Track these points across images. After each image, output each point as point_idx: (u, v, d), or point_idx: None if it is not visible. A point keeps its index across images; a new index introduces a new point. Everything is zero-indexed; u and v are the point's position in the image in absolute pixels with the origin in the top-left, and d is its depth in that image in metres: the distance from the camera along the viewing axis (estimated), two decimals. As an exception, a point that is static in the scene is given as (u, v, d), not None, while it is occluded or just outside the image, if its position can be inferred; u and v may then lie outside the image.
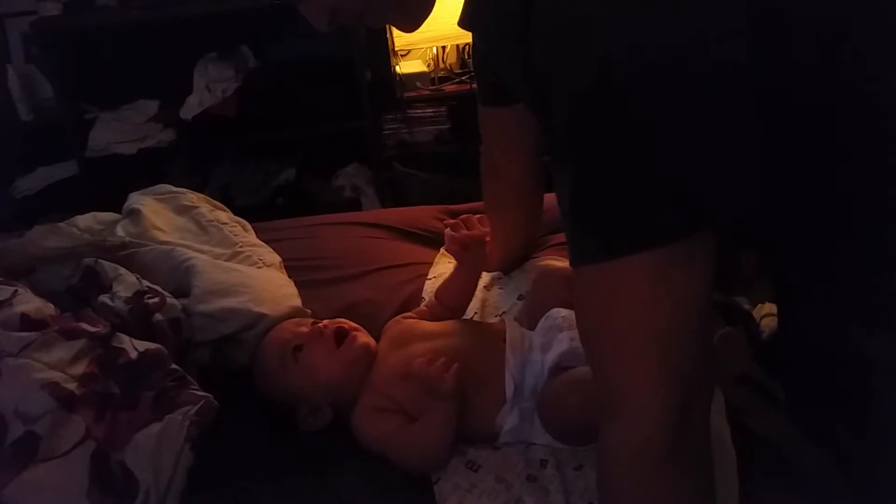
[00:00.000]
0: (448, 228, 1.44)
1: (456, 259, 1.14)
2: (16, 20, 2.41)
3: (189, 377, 0.85)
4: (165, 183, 2.32)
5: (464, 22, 0.82)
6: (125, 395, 0.78)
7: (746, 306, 2.05)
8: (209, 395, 0.84)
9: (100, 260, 1.12)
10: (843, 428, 0.83)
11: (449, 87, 2.36)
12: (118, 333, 0.83)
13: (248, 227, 1.42)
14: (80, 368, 0.78)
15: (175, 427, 0.78)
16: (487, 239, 1.38)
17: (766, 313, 2.02)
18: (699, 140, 0.57)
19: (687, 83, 0.56)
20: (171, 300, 1.03)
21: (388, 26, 2.05)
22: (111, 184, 2.28)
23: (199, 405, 0.81)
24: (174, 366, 0.84)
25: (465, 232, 1.13)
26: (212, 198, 2.39)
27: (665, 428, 0.62)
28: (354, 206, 2.38)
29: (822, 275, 0.75)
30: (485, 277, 1.26)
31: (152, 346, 0.84)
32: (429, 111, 2.37)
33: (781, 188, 0.65)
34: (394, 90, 2.38)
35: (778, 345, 1.18)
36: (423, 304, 1.16)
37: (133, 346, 0.82)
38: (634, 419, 0.63)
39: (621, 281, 0.61)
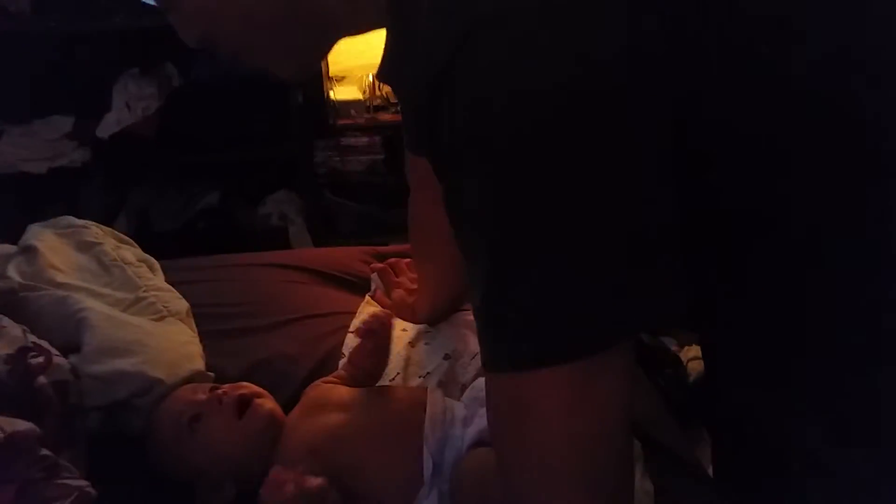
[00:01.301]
0: (374, 273, 1.38)
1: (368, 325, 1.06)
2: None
3: (62, 463, 0.74)
4: (80, 204, 2.19)
5: (380, 76, 0.75)
6: (-18, 489, 0.67)
7: (673, 347, 2.04)
8: (84, 483, 0.73)
9: (-19, 309, 1.01)
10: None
11: (384, 117, 2.29)
12: (-20, 413, 0.72)
13: (157, 266, 1.32)
14: (-74, 460, 0.67)
15: (41, 531, 0.68)
16: (414, 286, 1.32)
17: (693, 356, 2.01)
18: (615, 235, 0.52)
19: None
20: (57, 359, 0.93)
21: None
22: (18, 204, 2.14)
23: (71, 498, 0.70)
24: (44, 451, 0.73)
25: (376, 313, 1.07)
26: (128, 221, 2.28)
27: None
28: (281, 234, 2.29)
29: (764, 367, 0.70)
30: (410, 332, 1.19)
31: (21, 427, 0.73)
32: (363, 140, 2.30)
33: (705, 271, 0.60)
34: (327, 116, 2.30)
35: (706, 399, 1.14)
36: (340, 366, 1.08)
37: (-2, 427, 0.71)
38: None
39: (532, 395, 0.55)
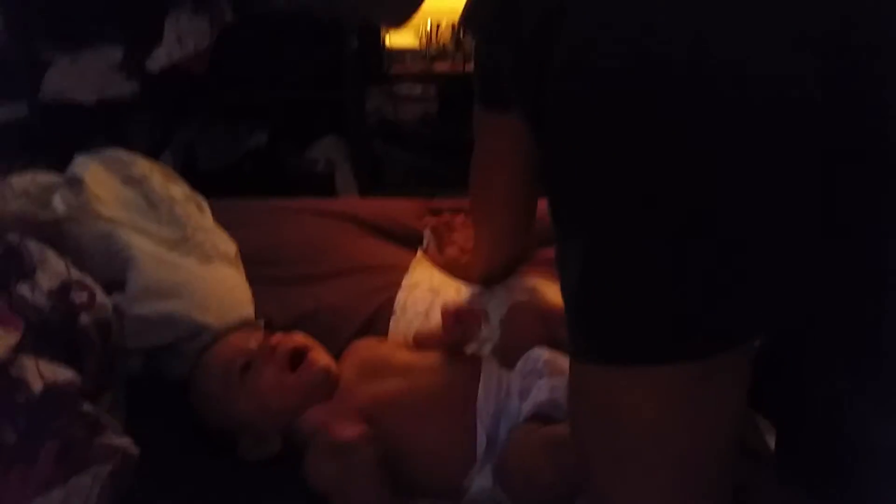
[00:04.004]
0: (428, 229, 1.32)
1: (445, 330, 0.97)
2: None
3: (103, 420, 0.69)
4: (126, 137, 2.14)
5: (465, 21, 0.68)
6: (22, 445, 0.62)
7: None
8: (127, 443, 0.68)
9: (25, 239, 0.96)
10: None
11: (441, 67, 2.20)
12: (20, 356, 0.67)
13: (205, 206, 1.26)
14: (-36, 407, 0.62)
15: (82, 494, 0.63)
16: (469, 245, 1.25)
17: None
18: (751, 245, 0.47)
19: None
20: (101, 299, 0.88)
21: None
22: (65, 133, 2.11)
23: (113, 461, 0.65)
24: (86, 406, 0.68)
25: (464, 312, 0.97)
26: (174, 157, 2.24)
27: None
28: (327, 181, 2.23)
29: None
30: (464, 292, 1.13)
31: (62, 376, 0.68)
32: (417, 89, 2.21)
33: None
34: (381, 62, 2.21)
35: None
36: (392, 323, 1.03)
37: (38, 374, 0.66)
38: None
39: (637, 394, 0.49)
